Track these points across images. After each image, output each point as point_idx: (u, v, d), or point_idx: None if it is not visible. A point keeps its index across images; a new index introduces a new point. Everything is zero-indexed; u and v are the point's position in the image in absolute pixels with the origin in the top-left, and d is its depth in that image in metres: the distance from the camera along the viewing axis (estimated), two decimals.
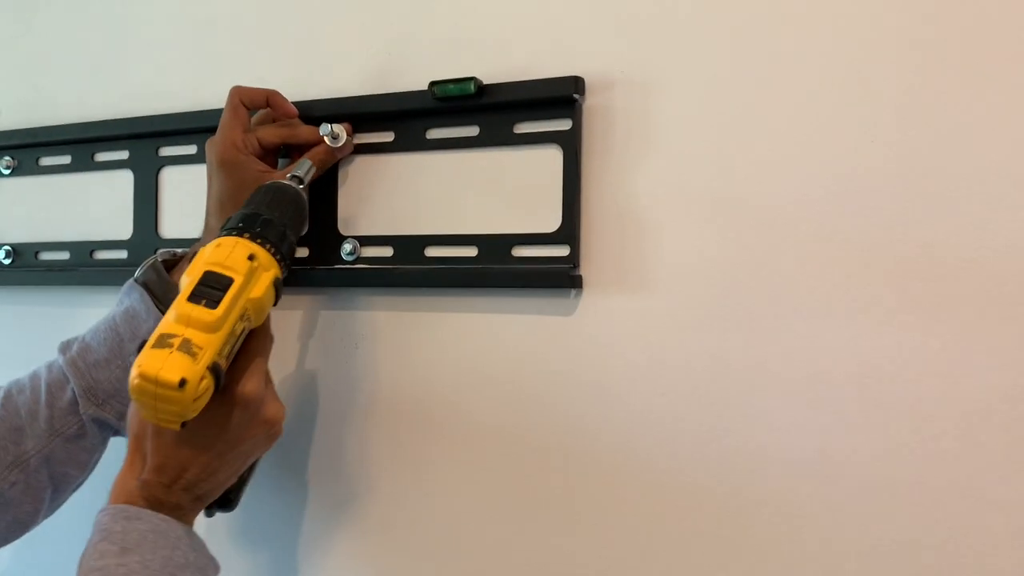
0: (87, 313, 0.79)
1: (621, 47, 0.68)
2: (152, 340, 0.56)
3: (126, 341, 0.71)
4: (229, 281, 0.58)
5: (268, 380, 0.64)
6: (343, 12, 0.79)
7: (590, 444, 0.69)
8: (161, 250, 0.78)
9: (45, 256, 0.93)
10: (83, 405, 0.70)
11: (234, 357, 0.61)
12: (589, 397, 0.69)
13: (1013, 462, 0.57)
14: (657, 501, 0.67)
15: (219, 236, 0.62)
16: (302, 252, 0.79)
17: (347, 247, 0.77)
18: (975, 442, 0.58)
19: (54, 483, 0.71)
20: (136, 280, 0.73)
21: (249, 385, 0.61)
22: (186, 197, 0.85)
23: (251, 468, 0.68)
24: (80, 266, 0.90)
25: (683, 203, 0.66)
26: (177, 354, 0.55)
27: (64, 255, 0.91)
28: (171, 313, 0.57)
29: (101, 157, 0.90)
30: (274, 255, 0.63)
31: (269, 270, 0.62)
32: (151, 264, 0.73)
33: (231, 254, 0.60)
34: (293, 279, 0.78)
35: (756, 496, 0.64)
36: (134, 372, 0.55)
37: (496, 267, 0.71)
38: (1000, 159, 0.58)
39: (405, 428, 0.75)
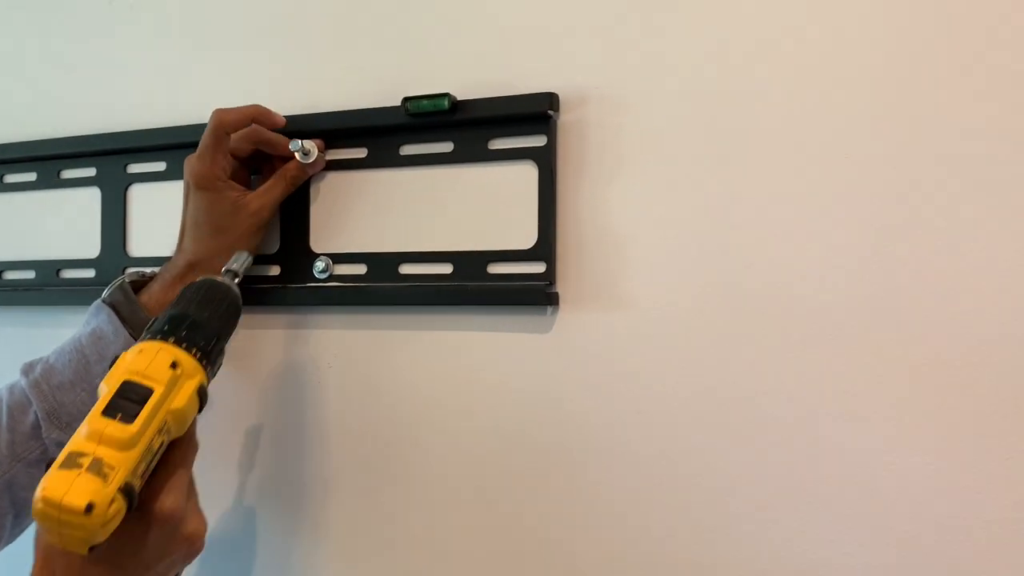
0: (52, 334, 0.77)
1: (596, 64, 0.68)
2: (60, 459, 0.51)
3: (92, 363, 0.69)
4: (148, 392, 0.54)
5: (191, 493, 0.59)
6: (316, 27, 0.78)
7: (566, 462, 0.68)
8: (130, 270, 0.77)
9: (10, 275, 0.91)
10: (46, 429, 0.68)
11: (153, 470, 0.56)
12: (565, 414, 0.68)
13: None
14: (633, 519, 0.66)
15: (143, 340, 0.59)
16: (273, 270, 0.78)
17: (319, 265, 0.76)
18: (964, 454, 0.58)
19: (15, 509, 0.69)
20: (103, 301, 0.71)
21: (168, 501, 0.56)
22: (155, 215, 0.84)
23: None
24: (46, 285, 0.88)
25: (658, 220, 0.66)
26: (86, 476, 0.50)
27: (29, 274, 0.90)
28: (83, 428, 0.53)
29: (68, 174, 0.88)
30: (200, 360, 0.59)
31: (194, 377, 0.58)
32: (119, 285, 0.72)
33: (152, 362, 0.56)
34: (264, 298, 0.77)
35: (732, 514, 0.63)
36: (37, 495, 0.50)
37: (471, 284, 0.70)
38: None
39: (379, 448, 0.74)
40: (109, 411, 0.53)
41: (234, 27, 0.82)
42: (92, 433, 0.52)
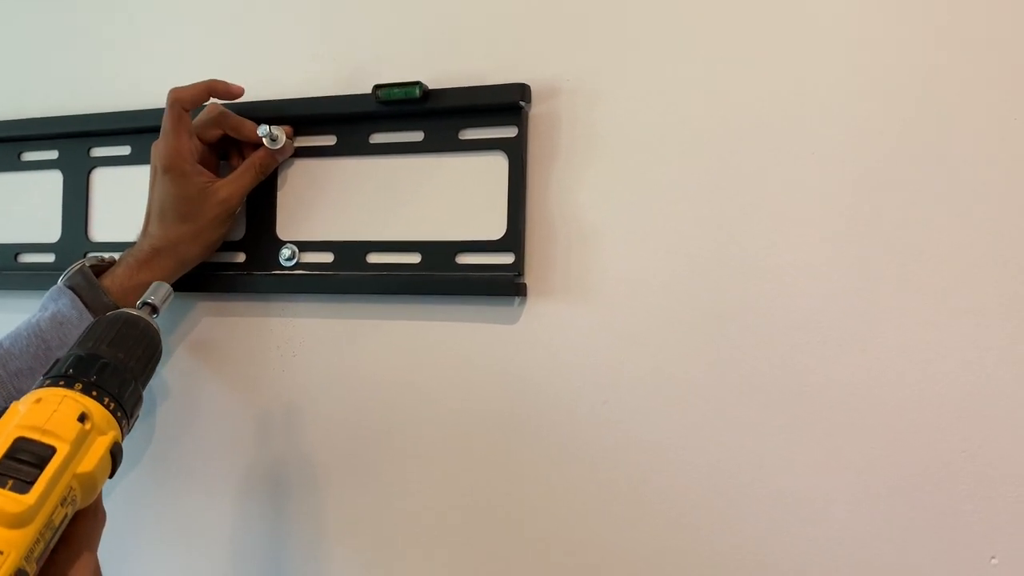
0: (8, 319, 0.75)
1: (567, 56, 0.68)
2: None
3: (54, 348, 0.68)
4: (50, 452, 0.44)
5: None
6: (286, 13, 0.77)
7: (532, 451, 0.68)
8: (90, 255, 0.75)
9: None
10: None
11: (53, 549, 0.45)
12: (532, 404, 0.68)
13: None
14: (599, 507, 0.66)
15: (40, 385, 0.48)
16: (239, 257, 0.77)
17: (286, 252, 0.75)
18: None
19: None
20: (63, 284, 0.70)
21: None
22: (119, 200, 0.83)
23: None
24: (3, 269, 0.86)
25: (627, 212, 0.66)
26: None
27: None
28: None
29: (28, 156, 0.87)
30: (114, 412, 0.49)
31: (106, 433, 0.48)
32: (78, 269, 0.70)
33: (55, 414, 0.45)
34: (229, 284, 0.76)
35: (695, 502, 0.64)
36: None
37: (440, 274, 0.70)
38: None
39: (345, 437, 0.74)
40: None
41: (202, 10, 0.81)
42: None
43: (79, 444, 0.46)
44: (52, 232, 0.85)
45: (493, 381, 0.69)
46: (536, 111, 0.69)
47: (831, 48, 0.62)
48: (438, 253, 0.70)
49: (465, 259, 0.70)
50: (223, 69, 0.79)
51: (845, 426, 0.60)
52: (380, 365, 0.73)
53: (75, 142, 0.84)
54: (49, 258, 0.85)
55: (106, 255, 0.74)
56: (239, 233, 0.77)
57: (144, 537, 0.79)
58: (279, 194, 0.76)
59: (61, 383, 0.48)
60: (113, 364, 0.51)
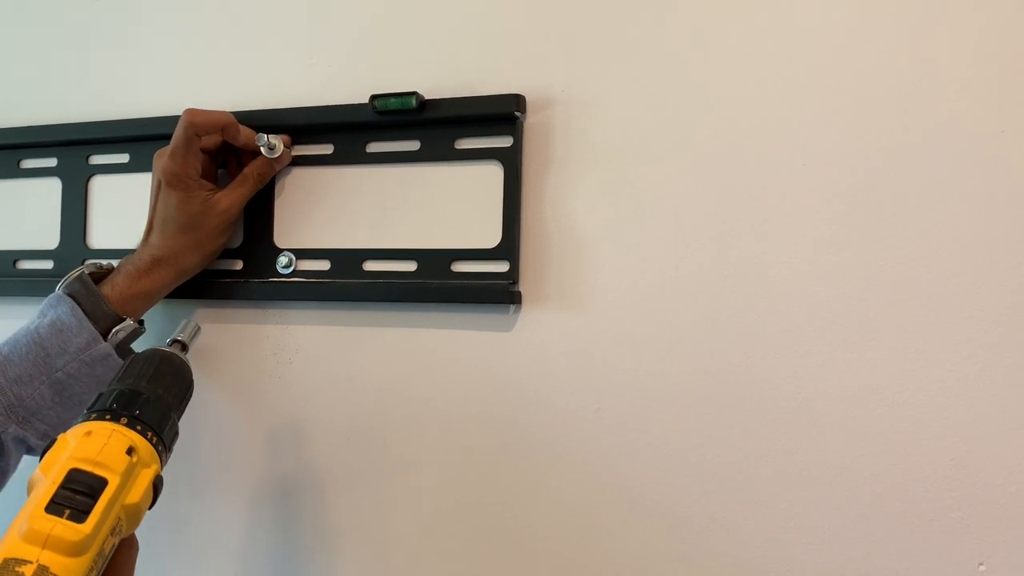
0: (6, 325, 0.76)
1: (562, 66, 0.69)
2: None
3: (53, 356, 0.68)
4: (102, 484, 0.45)
5: None
6: (284, 23, 0.78)
7: (527, 458, 0.69)
8: (88, 261, 0.76)
9: None
10: (3, 423, 0.67)
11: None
12: (526, 412, 0.69)
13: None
14: (593, 514, 0.67)
15: (86, 419, 0.51)
16: (236, 265, 0.78)
17: (283, 260, 0.76)
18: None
19: None
20: (63, 292, 0.70)
21: None
22: (118, 207, 0.83)
23: None
24: (2, 276, 0.87)
25: (621, 221, 0.67)
26: None
27: None
28: (22, 525, 0.43)
29: (27, 164, 0.87)
30: (156, 446, 0.51)
31: (150, 466, 0.50)
32: (77, 276, 0.71)
33: (105, 447, 0.47)
34: (226, 292, 0.77)
35: (688, 508, 0.64)
36: None
37: (435, 282, 0.71)
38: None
39: (341, 444, 0.74)
40: (55, 507, 0.44)
41: (201, 20, 0.81)
42: (34, 534, 0.42)
43: (128, 476, 0.48)
44: (51, 239, 0.86)
45: (488, 388, 0.70)
46: (531, 121, 0.69)
47: (823, 57, 0.62)
48: (434, 261, 0.71)
49: (460, 267, 0.71)
50: (222, 78, 0.79)
51: (836, 434, 0.61)
52: (376, 372, 0.73)
53: (74, 150, 0.85)
54: (48, 265, 0.85)
55: (104, 262, 0.75)
56: (237, 241, 0.78)
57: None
58: (277, 202, 0.77)
59: (107, 417, 0.50)
60: (153, 400, 0.53)
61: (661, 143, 0.66)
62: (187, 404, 0.59)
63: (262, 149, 0.73)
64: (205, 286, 0.77)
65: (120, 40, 0.85)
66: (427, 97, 0.70)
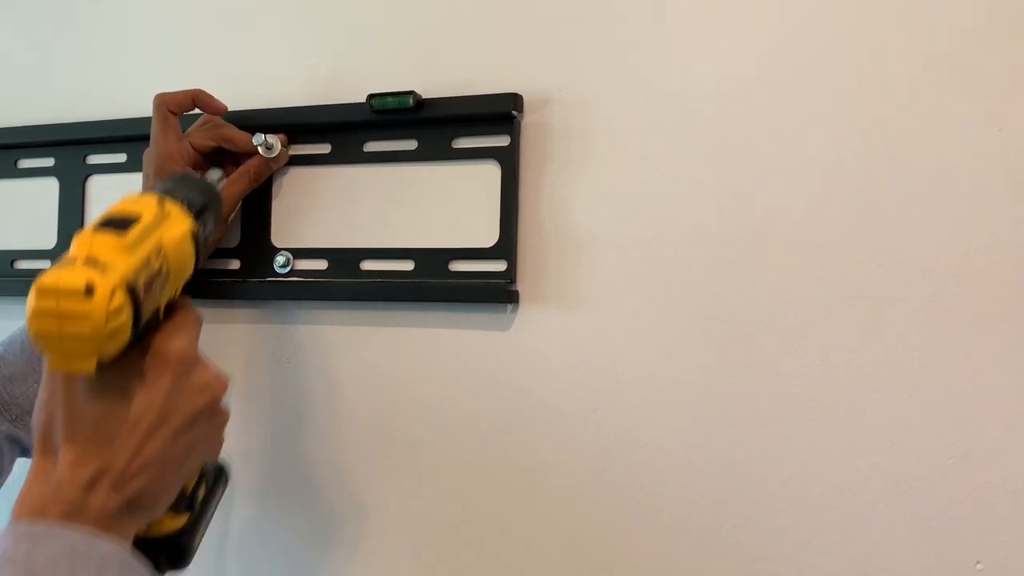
0: (5, 325, 0.75)
1: (559, 65, 0.69)
2: (50, 268, 0.45)
3: None
4: (136, 217, 0.48)
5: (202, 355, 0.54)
6: (282, 22, 0.78)
7: (524, 457, 0.69)
8: None
9: None
10: None
11: (159, 320, 0.50)
12: (524, 411, 0.69)
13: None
14: (590, 513, 0.67)
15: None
16: (233, 264, 0.78)
17: (280, 259, 0.75)
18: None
19: None
20: None
21: (177, 342, 0.50)
22: None
23: (205, 506, 0.55)
24: (0, 276, 0.87)
25: (618, 220, 0.67)
26: (82, 267, 0.44)
27: None
28: (72, 246, 0.46)
29: (25, 164, 0.87)
30: (188, 211, 0.53)
31: (184, 221, 0.52)
32: None
33: (137, 201, 0.50)
34: (224, 291, 0.77)
35: (687, 508, 0.64)
36: (31, 296, 0.43)
37: (433, 281, 0.71)
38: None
39: (339, 443, 0.74)
40: (98, 230, 0.47)
41: (198, 20, 0.82)
42: (82, 242, 0.46)
43: (161, 219, 0.50)
44: (48, 239, 0.86)
45: (485, 387, 0.70)
46: (528, 120, 0.69)
47: (821, 55, 0.62)
48: (431, 260, 0.71)
49: (458, 266, 0.70)
50: (219, 78, 0.79)
51: (834, 432, 0.61)
52: (373, 371, 0.73)
53: (71, 149, 0.85)
54: (45, 264, 0.85)
55: None
56: (234, 240, 0.78)
57: None
58: (274, 202, 0.77)
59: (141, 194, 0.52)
60: (185, 191, 0.55)
61: (658, 142, 0.66)
62: (217, 217, 0.59)
63: (260, 149, 0.73)
64: (202, 286, 0.77)
65: (117, 40, 0.85)
66: (424, 96, 0.70)
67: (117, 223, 0.47)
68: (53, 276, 0.43)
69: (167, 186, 0.56)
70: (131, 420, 0.47)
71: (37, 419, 0.48)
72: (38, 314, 0.43)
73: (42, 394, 0.49)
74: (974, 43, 0.59)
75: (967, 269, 0.59)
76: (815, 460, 0.61)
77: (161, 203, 0.51)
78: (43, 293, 0.43)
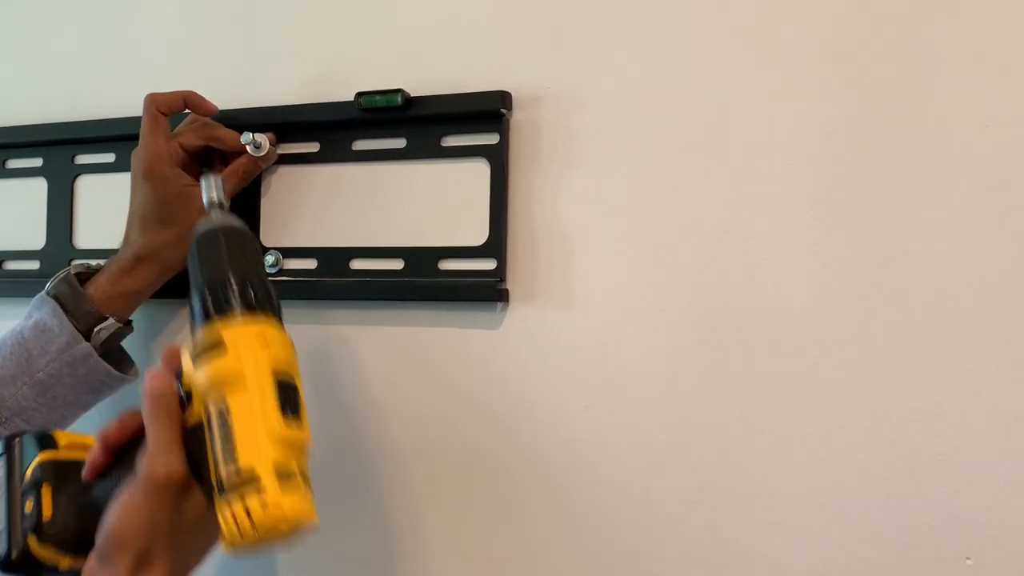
0: None
1: (548, 63, 0.68)
2: (269, 471, 0.47)
3: (35, 356, 0.68)
4: (295, 387, 0.52)
5: None
6: (269, 20, 0.78)
7: (514, 456, 0.68)
8: (75, 262, 0.75)
9: None
10: None
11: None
12: (513, 410, 0.68)
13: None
14: (580, 512, 0.67)
15: (244, 311, 0.52)
16: None
17: (269, 259, 0.75)
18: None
19: None
20: (47, 293, 0.70)
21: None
22: (104, 207, 0.83)
23: None
24: None
25: (608, 219, 0.66)
26: (304, 489, 0.48)
27: None
28: (270, 427, 0.49)
29: (13, 164, 0.87)
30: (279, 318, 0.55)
31: (284, 341, 0.55)
32: (63, 277, 0.71)
33: (281, 347, 0.52)
34: None
35: (677, 505, 0.64)
36: (275, 515, 0.46)
37: (422, 280, 0.70)
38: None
39: (326, 443, 0.74)
40: (285, 414, 0.50)
41: (187, 18, 0.81)
42: (284, 439, 0.49)
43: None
44: (37, 240, 0.85)
45: (475, 387, 0.70)
46: (517, 118, 0.69)
47: (810, 52, 0.62)
48: (421, 259, 0.71)
49: (447, 265, 0.70)
50: (208, 77, 0.79)
51: (825, 429, 0.61)
52: (362, 371, 0.73)
53: (60, 149, 0.84)
54: (34, 265, 0.85)
55: (94, 262, 0.74)
56: None
57: None
58: (262, 201, 0.77)
59: (259, 312, 0.53)
60: (256, 279, 0.54)
61: (648, 140, 0.66)
62: (257, 256, 0.57)
63: (248, 147, 0.73)
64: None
65: (105, 39, 0.85)
66: (413, 94, 0.70)
67: (288, 399, 0.50)
68: (294, 504, 0.47)
69: (261, 286, 0.54)
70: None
71: (130, 531, 0.50)
72: (269, 532, 0.47)
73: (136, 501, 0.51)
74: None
75: (957, 265, 0.58)
76: (805, 457, 0.61)
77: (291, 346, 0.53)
78: (291, 524, 0.47)
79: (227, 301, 0.52)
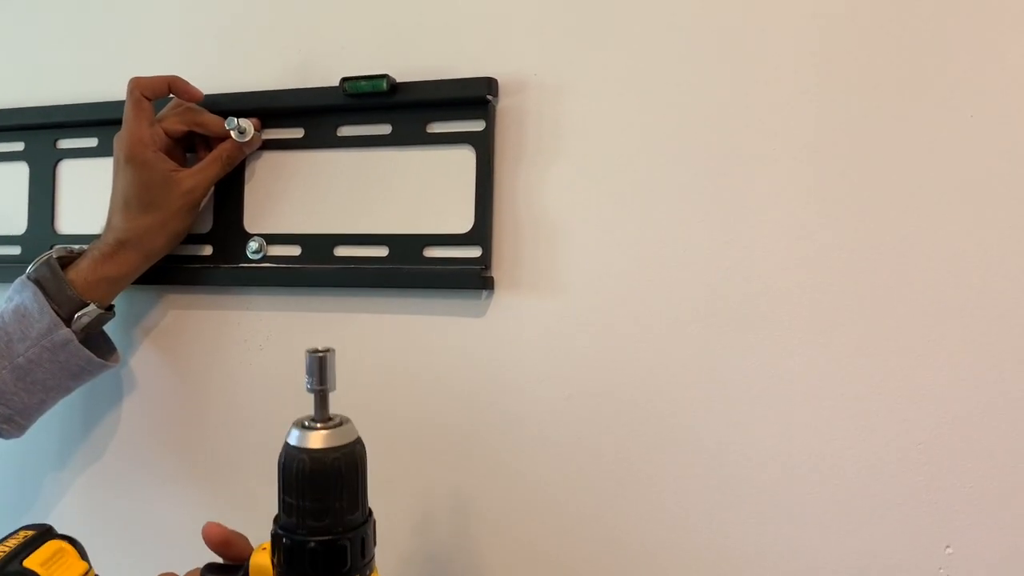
0: None
1: (534, 50, 0.68)
2: None
3: (15, 341, 0.68)
4: None
5: None
6: (254, 4, 0.77)
7: (497, 444, 0.68)
8: (57, 246, 0.74)
9: None
10: None
11: None
12: (498, 398, 0.68)
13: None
14: (564, 500, 0.67)
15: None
16: (205, 250, 0.77)
17: (253, 245, 0.75)
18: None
19: None
20: (28, 277, 0.69)
21: None
22: (86, 192, 0.82)
23: None
24: None
25: (594, 206, 0.66)
26: None
27: None
28: None
29: None
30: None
31: None
32: (45, 260, 0.70)
33: None
34: (196, 277, 0.76)
35: (660, 493, 0.64)
36: None
37: (407, 267, 0.70)
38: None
39: None
40: None
41: (171, 3, 0.80)
42: None
43: None
44: (18, 224, 0.84)
45: (460, 374, 0.69)
46: (503, 105, 0.69)
47: (799, 43, 0.62)
48: (405, 246, 0.70)
49: (432, 252, 0.70)
50: (192, 62, 0.78)
51: (807, 418, 0.61)
52: (347, 359, 0.72)
53: (41, 134, 0.83)
54: (15, 250, 0.84)
55: (76, 247, 0.74)
56: (206, 226, 0.77)
57: (99, 528, 0.78)
58: (246, 187, 0.76)
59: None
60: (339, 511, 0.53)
61: (634, 127, 0.66)
62: (362, 483, 0.56)
63: (232, 133, 0.72)
64: (174, 271, 0.76)
65: (88, 22, 0.84)
66: (399, 80, 0.69)
67: None
68: None
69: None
70: None
71: None
72: None
73: None
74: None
75: (941, 259, 0.59)
76: (787, 445, 0.61)
77: None
78: None
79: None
